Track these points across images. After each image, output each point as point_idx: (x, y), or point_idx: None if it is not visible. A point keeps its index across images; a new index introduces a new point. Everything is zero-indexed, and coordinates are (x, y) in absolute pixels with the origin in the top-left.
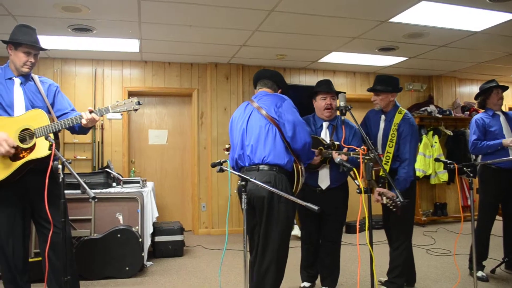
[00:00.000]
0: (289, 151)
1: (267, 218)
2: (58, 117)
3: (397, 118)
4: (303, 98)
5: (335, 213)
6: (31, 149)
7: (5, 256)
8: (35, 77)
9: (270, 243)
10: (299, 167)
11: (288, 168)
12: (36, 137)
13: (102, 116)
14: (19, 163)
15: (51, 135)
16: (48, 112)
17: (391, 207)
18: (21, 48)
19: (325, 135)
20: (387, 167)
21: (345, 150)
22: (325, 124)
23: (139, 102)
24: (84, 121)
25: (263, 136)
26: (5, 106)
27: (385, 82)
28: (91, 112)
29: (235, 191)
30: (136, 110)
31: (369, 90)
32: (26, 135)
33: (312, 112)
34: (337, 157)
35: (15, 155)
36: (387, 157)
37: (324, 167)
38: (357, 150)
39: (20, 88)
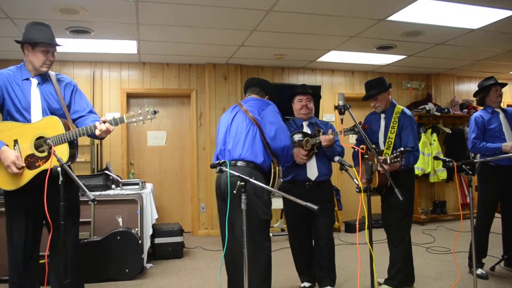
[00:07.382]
0: (267, 152)
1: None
2: (75, 119)
3: (397, 109)
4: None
5: (326, 208)
6: (47, 158)
7: (16, 261)
8: (52, 74)
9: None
10: (277, 168)
11: (264, 167)
12: (51, 146)
13: (116, 125)
14: (35, 172)
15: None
16: (64, 116)
17: (396, 161)
18: (38, 47)
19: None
20: (389, 151)
21: (329, 132)
22: (305, 123)
23: (155, 111)
24: (98, 132)
25: (244, 134)
26: (21, 109)
27: (376, 85)
28: (104, 122)
29: (234, 191)
30: (151, 119)
31: (365, 98)
32: (42, 142)
33: None
34: (336, 157)
35: (31, 164)
36: (389, 143)
37: (312, 156)
38: (354, 146)
39: (37, 89)
